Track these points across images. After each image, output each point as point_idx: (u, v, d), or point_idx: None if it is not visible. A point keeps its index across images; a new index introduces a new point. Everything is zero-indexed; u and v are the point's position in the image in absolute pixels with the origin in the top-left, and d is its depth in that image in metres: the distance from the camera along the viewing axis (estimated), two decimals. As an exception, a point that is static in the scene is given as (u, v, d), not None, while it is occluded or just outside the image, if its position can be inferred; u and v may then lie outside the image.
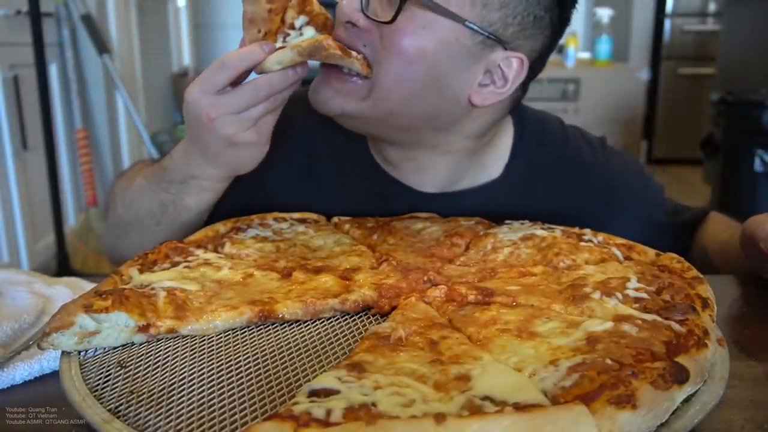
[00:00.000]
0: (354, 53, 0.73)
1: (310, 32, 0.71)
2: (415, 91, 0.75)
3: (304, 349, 0.55)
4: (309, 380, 0.46)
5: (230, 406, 0.46)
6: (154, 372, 0.51)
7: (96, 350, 0.55)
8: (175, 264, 0.67)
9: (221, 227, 0.78)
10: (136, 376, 0.51)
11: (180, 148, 0.79)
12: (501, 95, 0.77)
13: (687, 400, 0.45)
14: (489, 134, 0.85)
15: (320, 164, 0.91)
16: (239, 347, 0.55)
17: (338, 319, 0.61)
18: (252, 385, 0.49)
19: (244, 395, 0.47)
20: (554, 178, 0.90)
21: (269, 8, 0.68)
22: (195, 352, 0.54)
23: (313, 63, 0.74)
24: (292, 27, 0.70)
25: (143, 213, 0.83)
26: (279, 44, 0.70)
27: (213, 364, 0.52)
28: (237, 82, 0.71)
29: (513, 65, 0.76)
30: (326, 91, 0.78)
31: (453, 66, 0.74)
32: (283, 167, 0.90)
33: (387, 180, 0.89)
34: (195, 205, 0.81)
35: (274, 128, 0.89)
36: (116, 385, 0.50)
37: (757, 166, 2.93)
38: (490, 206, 0.86)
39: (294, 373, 0.51)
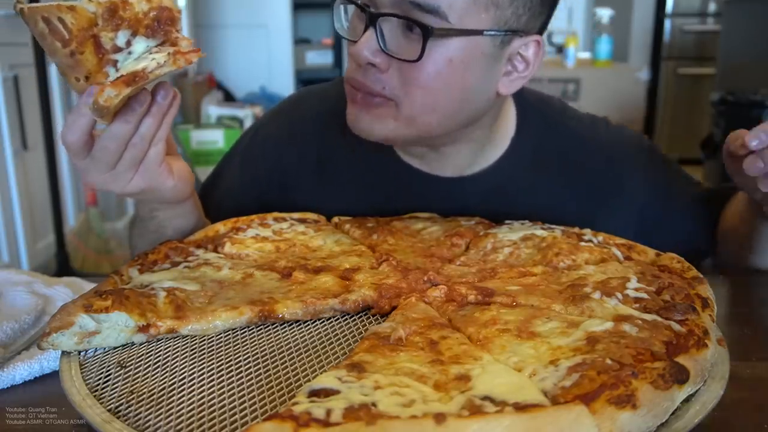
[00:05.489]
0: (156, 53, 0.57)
1: (141, 45, 0.57)
2: (448, 111, 0.76)
3: (304, 349, 0.55)
4: (309, 380, 0.46)
5: (230, 406, 0.46)
6: (154, 372, 0.51)
7: (96, 350, 0.55)
8: (175, 264, 0.67)
9: (221, 227, 0.78)
10: (136, 376, 0.51)
11: None
12: (525, 78, 0.79)
13: (687, 400, 0.45)
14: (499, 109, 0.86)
15: (332, 158, 0.92)
16: (239, 347, 0.55)
17: (338, 319, 0.61)
18: (252, 385, 0.49)
19: (244, 395, 0.47)
20: (558, 149, 0.90)
21: (69, 51, 0.55)
22: (195, 352, 0.54)
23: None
24: (117, 50, 0.56)
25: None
26: (113, 76, 0.57)
27: (213, 364, 0.52)
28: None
29: (530, 48, 0.77)
30: (365, 119, 0.77)
31: (479, 76, 0.75)
32: (295, 166, 0.93)
33: (404, 168, 0.90)
34: (175, 234, 0.80)
35: (286, 130, 0.91)
36: (116, 385, 0.50)
37: (757, 166, 2.92)
38: (501, 183, 0.87)
39: (294, 373, 0.51)
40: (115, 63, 0.56)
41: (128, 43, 0.56)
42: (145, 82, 0.56)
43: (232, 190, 0.96)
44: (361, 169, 0.91)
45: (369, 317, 0.61)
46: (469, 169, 0.88)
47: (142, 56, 0.57)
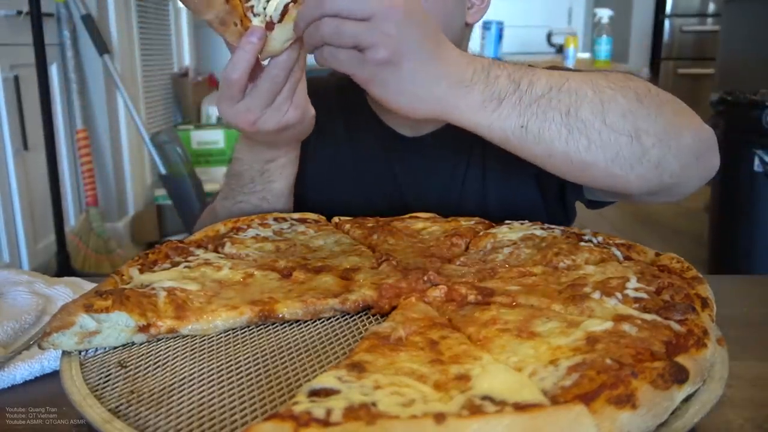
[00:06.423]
0: None
1: None
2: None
3: (304, 349, 0.55)
4: (309, 380, 0.46)
5: (230, 406, 0.46)
6: (155, 372, 0.52)
7: (96, 350, 0.55)
8: (175, 264, 0.67)
9: (221, 227, 0.78)
10: (137, 375, 0.51)
11: (241, 148, 0.85)
12: (484, 10, 0.96)
13: (686, 400, 0.45)
14: None
15: (328, 125, 1.00)
16: (239, 347, 0.55)
17: (338, 319, 0.61)
18: (252, 385, 0.49)
19: (244, 395, 0.47)
20: None
21: None
22: (195, 352, 0.54)
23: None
24: None
25: None
26: (255, 22, 0.65)
27: (213, 364, 0.52)
28: (254, 77, 0.70)
29: None
30: None
31: (453, 5, 0.91)
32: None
33: (388, 133, 1.00)
34: (284, 185, 0.87)
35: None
36: (117, 384, 0.50)
37: (757, 166, 2.93)
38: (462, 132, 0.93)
39: (294, 373, 0.51)
40: (251, 9, 0.64)
41: None
42: None
43: None
44: (350, 136, 1.03)
45: (369, 317, 0.61)
46: (441, 123, 0.96)
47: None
